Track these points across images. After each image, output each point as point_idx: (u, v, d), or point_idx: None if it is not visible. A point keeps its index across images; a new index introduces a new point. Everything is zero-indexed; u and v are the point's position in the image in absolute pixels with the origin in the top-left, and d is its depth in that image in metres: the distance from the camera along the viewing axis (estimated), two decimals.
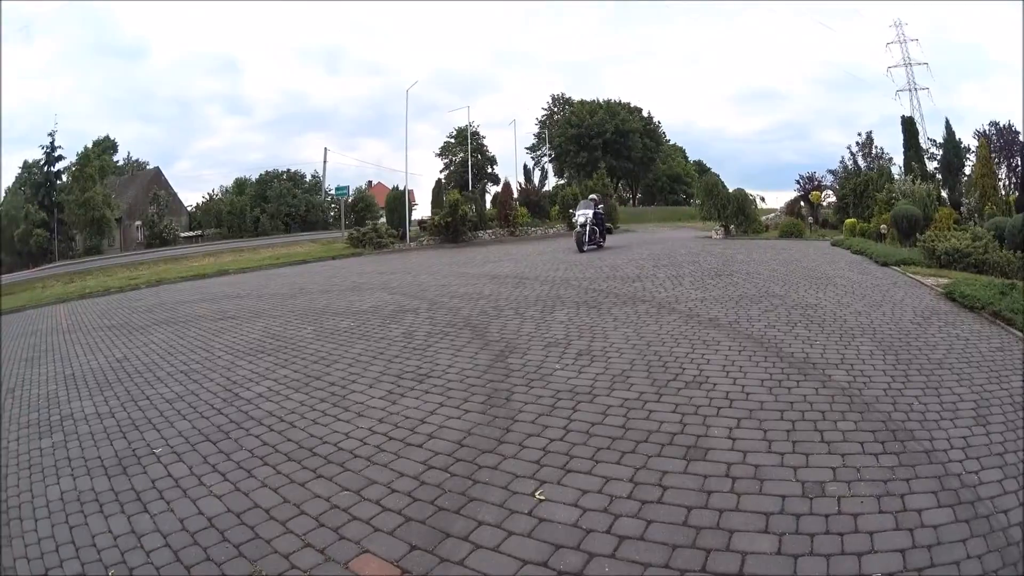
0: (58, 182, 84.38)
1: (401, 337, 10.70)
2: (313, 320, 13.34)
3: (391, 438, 6.16)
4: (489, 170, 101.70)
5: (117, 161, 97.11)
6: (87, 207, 75.89)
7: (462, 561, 4.02)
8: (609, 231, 31.73)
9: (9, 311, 24.44)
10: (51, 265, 67.53)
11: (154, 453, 6.47)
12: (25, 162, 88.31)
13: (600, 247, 28.58)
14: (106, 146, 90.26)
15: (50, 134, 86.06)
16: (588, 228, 27.75)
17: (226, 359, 10.36)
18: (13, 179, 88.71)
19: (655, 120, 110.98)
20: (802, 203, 49.20)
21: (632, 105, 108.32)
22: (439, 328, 11.20)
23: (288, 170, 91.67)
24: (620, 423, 5.98)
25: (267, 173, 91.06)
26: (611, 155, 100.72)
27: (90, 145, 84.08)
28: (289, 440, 6.39)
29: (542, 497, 4.67)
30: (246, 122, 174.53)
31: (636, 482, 4.79)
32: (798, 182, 51.63)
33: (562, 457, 5.32)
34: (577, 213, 29.55)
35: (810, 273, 16.23)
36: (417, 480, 5.16)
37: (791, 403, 6.29)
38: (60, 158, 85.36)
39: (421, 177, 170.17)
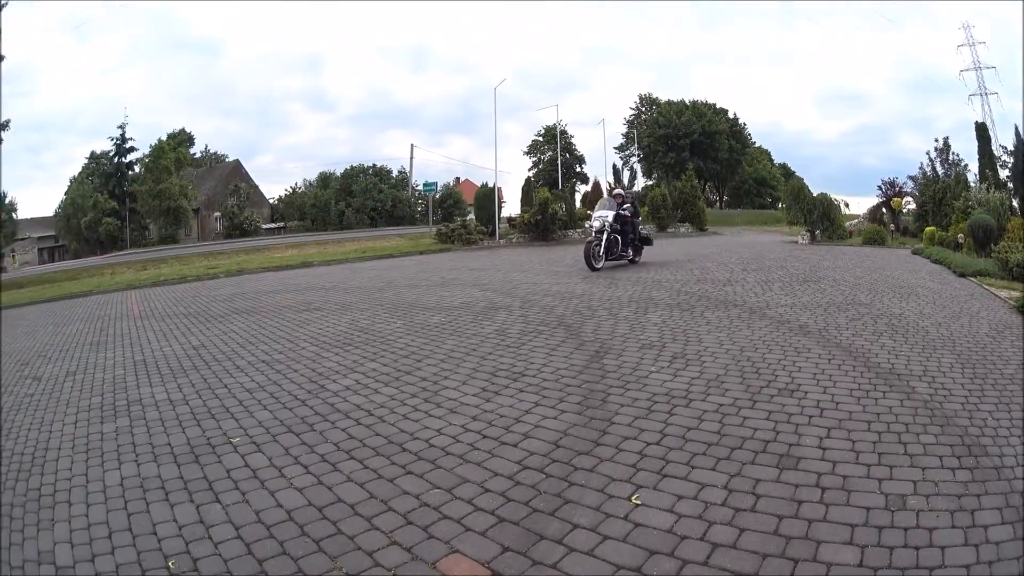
0: (130, 172, 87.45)
1: (494, 334, 10.53)
2: (403, 315, 13.10)
3: (485, 436, 5.99)
4: (578, 169, 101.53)
5: (194, 154, 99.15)
6: (162, 197, 77.97)
7: (555, 564, 3.88)
8: (647, 241, 23.54)
9: (75, 295, 25.09)
10: (121, 253, 69.58)
11: (231, 442, 6.30)
12: (92, 153, 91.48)
13: (633, 262, 22.15)
14: (181, 139, 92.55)
15: (120, 126, 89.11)
16: (607, 236, 20.71)
17: (311, 351, 10.19)
18: (80, 168, 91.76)
19: (741, 122, 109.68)
20: (884, 209, 48.10)
21: (718, 106, 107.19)
22: (532, 326, 11.03)
23: (374, 165, 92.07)
24: (715, 429, 5.89)
25: (352, 168, 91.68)
26: (698, 156, 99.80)
27: (164, 138, 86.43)
28: (378, 435, 6.23)
29: (638, 501, 4.56)
30: (329, 118, 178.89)
31: (730, 489, 4.70)
32: (880, 188, 50.52)
33: (658, 461, 5.21)
34: (593, 216, 22.74)
35: (893, 282, 16.18)
36: (511, 480, 5.00)
37: (877, 414, 6.22)
38: (132, 150, 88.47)
39: (509, 175, 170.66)
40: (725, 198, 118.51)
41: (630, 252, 22.17)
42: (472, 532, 4.30)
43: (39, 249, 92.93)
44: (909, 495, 4.55)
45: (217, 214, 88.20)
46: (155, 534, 4.65)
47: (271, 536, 4.45)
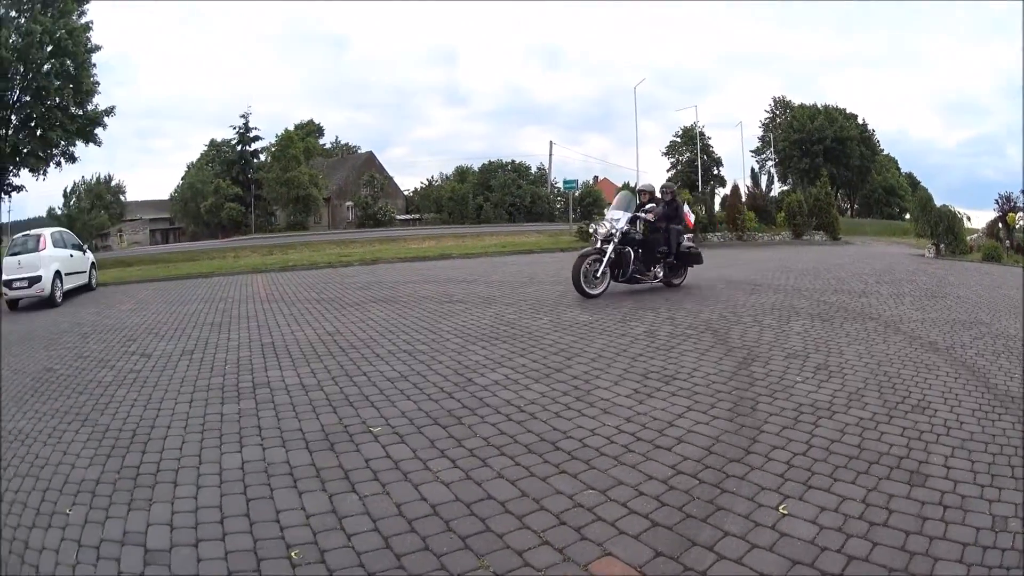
0: (255, 160, 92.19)
1: (643, 335, 10.27)
2: (548, 311, 12.86)
3: (639, 439, 5.83)
4: (715, 172, 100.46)
5: (324, 144, 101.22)
6: (290, 185, 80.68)
7: (705, 572, 3.80)
8: (692, 257, 16.97)
9: (194, 276, 25.77)
10: (245, 237, 72.80)
11: (370, 431, 6.16)
12: (212, 140, 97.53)
13: (671, 285, 16.49)
14: (310, 130, 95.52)
15: (243, 116, 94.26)
16: (611, 249, 14.73)
17: (456, 343, 10.05)
18: (198, 155, 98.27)
19: (869, 128, 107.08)
20: (1000, 225, 46.31)
21: (847, 111, 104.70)
22: (681, 330, 10.79)
23: (512, 161, 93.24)
24: (856, 442, 5.84)
25: (490, 163, 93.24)
26: (831, 162, 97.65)
27: (291, 128, 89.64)
28: (529, 432, 6.06)
29: (785, 511, 4.52)
30: (463, 112, 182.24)
31: (867, 503, 4.65)
32: (997, 201, 48.72)
33: (804, 472, 5.18)
34: (608, 217, 15.89)
35: (1011, 302, 15.63)
36: (665, 484, 4.89)
37: (993, 436, 6.16)
38: (256, 138, 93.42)
39: (646, 175, 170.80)
40: (855, 206, 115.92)
41: (658, 272, 16.00)
42: (625, 535, 4.18)
43: (151, 230, 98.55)
44: (1010, 517, 4.51)
45: (349, 203, 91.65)
46: (278, 522, 4.49)
47: (412, 531, 4.29)
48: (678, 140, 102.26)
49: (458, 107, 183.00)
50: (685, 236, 17.04)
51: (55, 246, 20.82)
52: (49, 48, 35.55)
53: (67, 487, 5.41)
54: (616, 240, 14.78)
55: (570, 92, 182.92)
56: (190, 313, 15.12)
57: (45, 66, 35.75)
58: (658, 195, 17.06)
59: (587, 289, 14.35)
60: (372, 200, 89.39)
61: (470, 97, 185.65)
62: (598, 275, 14.60)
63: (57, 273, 20.37)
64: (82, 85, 36.27)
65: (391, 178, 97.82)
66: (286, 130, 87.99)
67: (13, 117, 37.69)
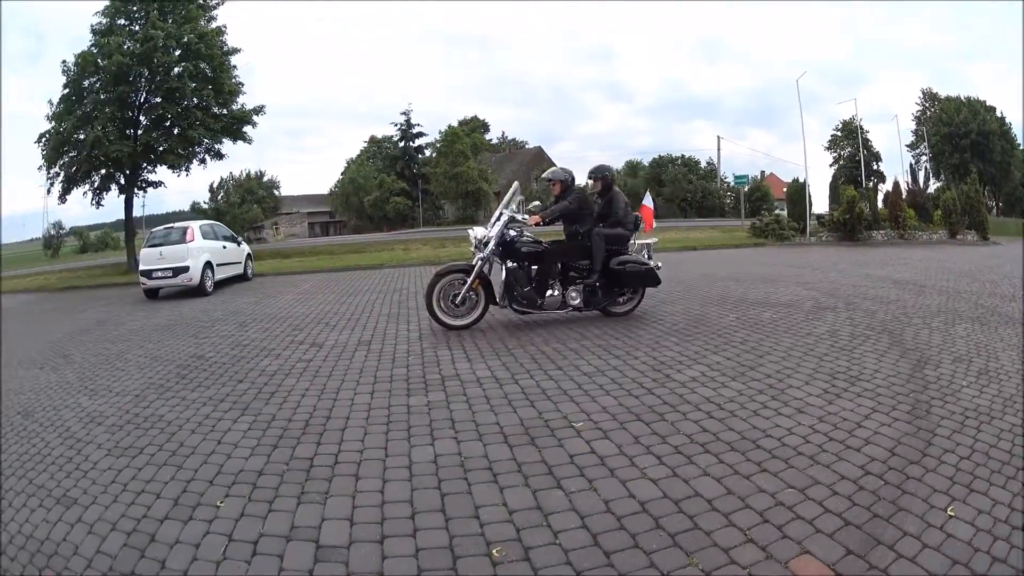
0: (419, 156, 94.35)
1: (826, 335, 10.06)
2: (733, 307, 12.66)
3: (831, 439, 5.81)
4: (874, 167, 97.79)
5: (490, 140, 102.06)
6: (458, 180, 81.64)
7: (885, 570, 3.88)
8: (627, 276, 11.48)
9: (362, 268, 26.19)
10: (412, 230, 73.89)
11: (572, 427, 6.06)
12: (372, 137, 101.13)
13: (608, 313, 11.77)
14: (475, 125, 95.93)
15: (403, 113, 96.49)
16: (478, 264, 10.90)
17: (649, 338, 9.90)
18: (358, 151, 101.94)
19: (1007, 121, 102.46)
20: None
21: (987, 103, 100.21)
22: (859, 330, 10.49)
23: (682, 156, 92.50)
24: (1007, 448, 5.71)
25: (660, 157, 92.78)
26: (976, 157, 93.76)
27: (455, 124, 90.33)
28: (731, 429, 6.00)
29: (952, 513, 4.56)
30: (626, 108, 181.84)
31: (1012, 507, 4.62)
32: None
33: (968, 476, 5.14)
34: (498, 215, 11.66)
35: None
36: (855, 484, 4.91)
37: None
38: (419, 135, 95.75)
39: (809, 170, 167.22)
40: (1000, 204, 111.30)
41: (570, 297, 11.33)
42: (822, 533, 4.24)
43: (310, 223, 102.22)
44: None
45: (521, 197, 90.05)
46: (477, 518, 4.43)
47: (622, 527, 4.24)
48: (838, 134, 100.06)
49: (622, 102, 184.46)
50: (636, 244, 12.19)
51: (205, 238, 21.63)
52: (177, 52, 36.60)
53: (220, 478, 5.44)
54: (489, 251, 11.05)
55: (730, 86, 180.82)
56: (362, 304, 15.24)
57: (175, 69, 36.67)
58: (588, 182, 13.01)
59: (442, 317, 11.12)
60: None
61: (631, 93, 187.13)
62: (459, 300, 11.10)
63: (208, 264, 21.25)
64: (223, 86, 37.11)
65: None
66: (449, 126, 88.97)
67: (142, 118, 38.61)
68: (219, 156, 40.36)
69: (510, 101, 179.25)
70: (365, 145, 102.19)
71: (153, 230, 23.51)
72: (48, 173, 38.61)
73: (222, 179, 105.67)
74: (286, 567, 3.99)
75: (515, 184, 12.34)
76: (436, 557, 3.95)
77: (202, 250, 20.88)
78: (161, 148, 37.32)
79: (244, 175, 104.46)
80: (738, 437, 5.73)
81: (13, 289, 35.40)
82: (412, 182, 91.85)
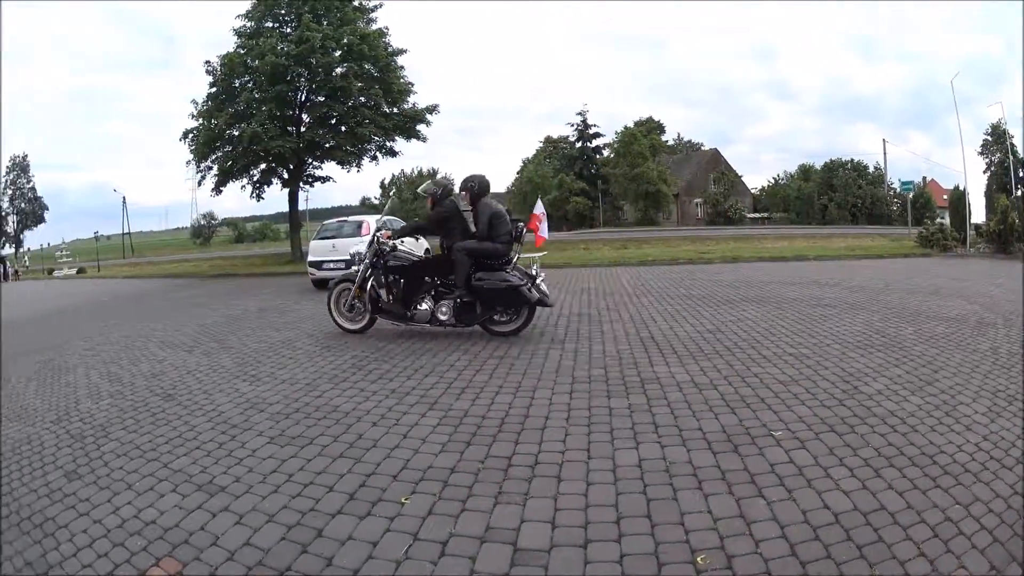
0: (597, 156, 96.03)
1: (989, 352, 9.66)
2: (910, 320, 12.26)
3: (992, 457, 5.65)
4: (1021, 174, 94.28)
5: (666, 141, 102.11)
6: (639, 181, 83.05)
7: None
8: (495, 295, 10.93)
9: (548, 266, 25.36)
10: (592, 230, 75.69)
11: (772, 435, 6.09)
12: (548, 137, 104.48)
13: (492, 332, 11.33)
14: (651, 126, 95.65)
15: (579, 113, 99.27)
16: (359, 275, 11.91)
17: (835, 348, 9.75)
18: (534, 151, 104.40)
19: None
20: None
21: None
22: (1015, 347, 9.99)
23: (851, 160, 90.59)
24: None
25: (832, 161, 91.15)
26: None
27: (630, 125, 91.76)
28: (912, 444, 5.94)
29: None
30: (795, 107, 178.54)
31: None
32: None
33: None
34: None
35: None
36: (1006, 503, 4.79)
37: None
38: (596, 135, 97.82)
39: (967, 177, 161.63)
40: None
41: (439, 312, 11.42)
42: (975, 549, 4.19)
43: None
44: None
45: (698, 200, 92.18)
46: (682, 524, 4.47)
47: (816, 538, 4.29)
48: (988, 139, 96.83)
49: (788, 102, 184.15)
50: (520, 260, 11.83)
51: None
52: (337, 53, 38.05)
53: (405, 473, 5.48)
54: (364, 264, 11.90)
55: (889, 85, 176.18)
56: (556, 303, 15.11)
57: (337, 69, 38.27)
58: (459, 191, 12.46)
59: (339, 320, 12.35)
60: (723, 198, 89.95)
61: (797, 92, 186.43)
62: (346, 307, 12.24)
63: None
64: (392, 86, 38.56)
65: (739, 176, 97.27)
66: (626, 127, 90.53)
67: (305, 115, 40.75)
68: (392, 153, 41.85)
69: (679, 102, 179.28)
70: (541, 145, 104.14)
71: (325, 223, 24.36)
72: (199, 167, 41.57)
73: (393, 176, 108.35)
74: (479, 569, 4.02)
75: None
76: (641, 563, 3.99)
77: None
78: (328, 144, 38.57)
79: (416, 172, 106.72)
80: (918, 452, 5.72)
81: (156, 274, 39.26)
82: (591, 182, 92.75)
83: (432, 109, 40.17)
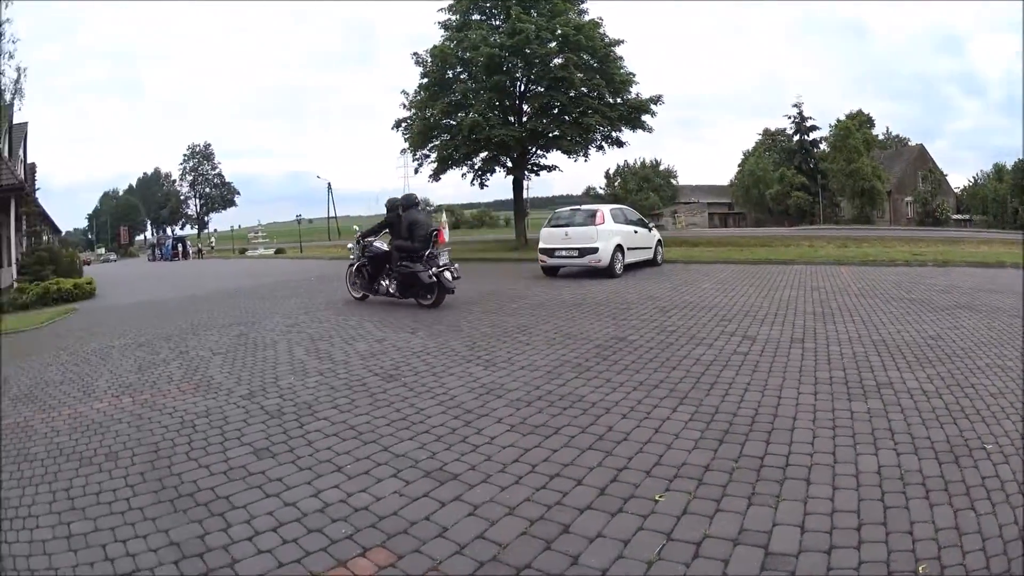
0: (815, 150, 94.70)
1: None
2: None
3: None
4: None
5: (876, 135, 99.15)
6: (855, 177, 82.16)
7: None
8: (406, 277, 16.19)
9: (775, 262, 25.72)
10: (812, 227, 74.96)
11: (984, 448, 5.82)
12: (766, 129, 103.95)
13: (422, 305, 16.01)
14: (861, 120, 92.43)
15: (795, 105, 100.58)
16: (356, 262, 18.32)
17: None
18: (754, 144, 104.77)
19: None
20: None
21: None
22: None
23: None
24: None
25: (1020, 161, 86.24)
26: None
27: (842, 118, 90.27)
28: None
29: None
30: (983, 103, 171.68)
31: None
32: None
33: None
34: None
35: None
36: None
37: None
38: (813, 128, 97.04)
39: None
40: None
41: (391, 289, 16.75)
42: None
43: (709, 213, 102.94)
44: None
45: (908, 199, 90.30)
46: (911, 534, 4.36)
47: (1003, 552, 4.14)
48: None
49: (976, 97, 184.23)
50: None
51: (615, 221, 22.29)
52: (552, 44, 38.55)
53: (658, 469, 5.42)
54: (356, 254, 18.44)
55: None
56: (784, 299, 15.41)
57: (555, 60, 38.61)
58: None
59: (350, 291, 18.74)
60: (930, 197, 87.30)
61: (985, 86, 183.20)
62: (352, 281, 18.67)
63: (618, 247, 21.86)
64: (613, 76, 39.29)
65: (945, 175, 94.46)
66: (838, 120, 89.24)
67: (525, 106, 41.76)
68: (619, 144, 42.15)
69: (885, 93, 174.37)
70: (759, 137, 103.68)
71: (557, 211, 24.59)
72: (414, 155, 43.78)
73: (618, 166, 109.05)
74: (730, 572, 3.96)
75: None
76: (874, 569, 3.92)
77: (612, 233, 21.64)
78: (552, 134, 39.00)
79: (639, 163, 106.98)
80: None
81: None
82: (811, 177, 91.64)
83: (656, 100, 40.25)
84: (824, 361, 8.98)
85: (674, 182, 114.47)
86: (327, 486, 5.40)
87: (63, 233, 74.58)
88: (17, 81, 26.39)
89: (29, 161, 48.71)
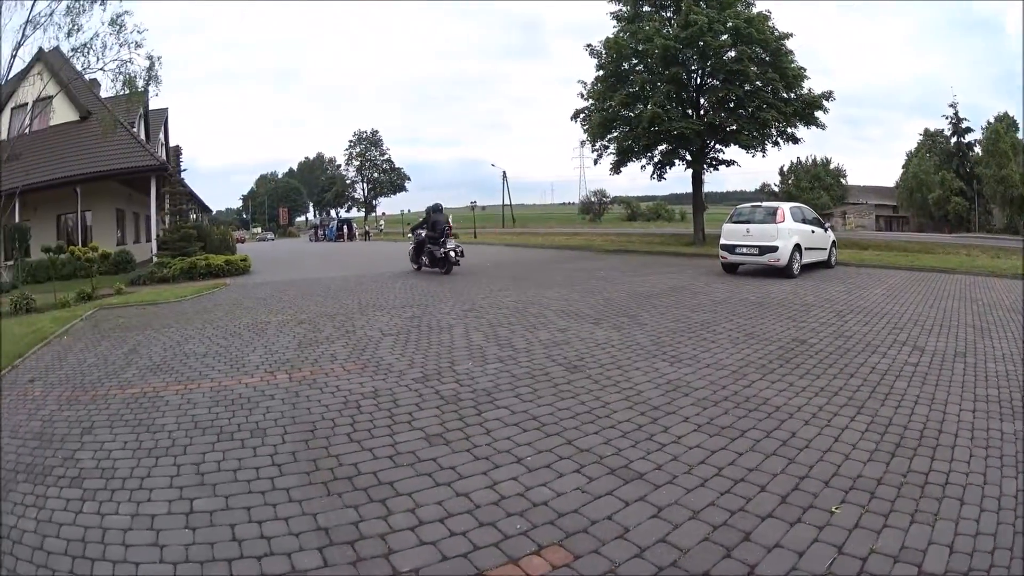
0: (971, 153, 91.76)
1: None
2: None
3: None
4: None
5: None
6: (1005, 183, 79.17)
7: None
8: (431, 255, 26.67)
9: (937, 270, 24.86)
10: (970, 234, 71.71)
11: None
12: (926, 130, 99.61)
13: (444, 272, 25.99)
14: (1008, 123, 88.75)
15: (951, 105, 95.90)
16: (412, 244, 28.97)
17: None
18: (915, 144, 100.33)
19: None
20: None
21: None
22: None
23: None
24: None
25: None
26: None
27: (992, 120, 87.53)
28: None
29: None
30: None
31: None
32: None
33: None
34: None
35: None
36: None
37: None
38: (968, 130, 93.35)
39: None
40: None
41: (427, 263, 26.92)
42: None
43: (876, 216, 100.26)
44: None
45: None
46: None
47: None
48: None
49: None
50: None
51: (794, 220, 21.92)
52: (724, 37, 37.89)
53: (836, 480, 5.35)
54: (412, 242, 28.65)
55: None
56: (948, 310, 14.99)
57: (730, 52, 37.96)
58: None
59: (411, 264, 28.08)
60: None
61: None
62: (412, 257, 28.10)
63: (796, 246, 21.61)
64: (785, 71, 38.39)
65: None
66: (988, 122, 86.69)
67: (702, 99, 40.98)
68: (794, 140, 41.39)
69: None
70: (920, 138, 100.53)
71: (739, 207, 24.30)
72: (594, 146, 43.65)
73: (791, 163, 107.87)
74: None
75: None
76: None
77: (792, 232, 21.42)
78: (730, 128, 39.43)
79: (810, 161, 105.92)
80: None
81: (544, 244, 42.03)
82: (967, 181, 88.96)
83: (827, 96, 39.36)
84: (983, 378, 8.75)
85: (843, 182, 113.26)
86: (504, 478, 5.40)
87: (213, 212, 77.11)
88: (150, 69, 27.18)
89: (172, 144, 50.59)
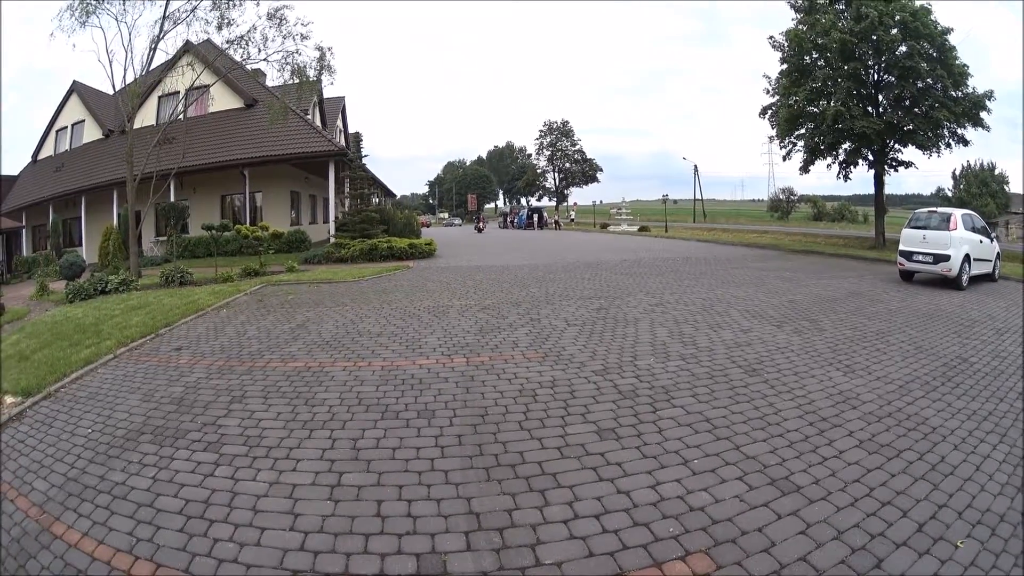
0: None
1: None
2: None
3: None
4: None
5: None
6: None
7: None
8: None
9: None
10: None
11: None
12: None
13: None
14: None
15: None
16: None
17: None
18: None
19: None
20: None
21: None
22: None
23: None
24: None
25: None
26: None
27: None
28: None
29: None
30: None
31: None
32: None
33: None
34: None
35: None
36: None
37: None
38: None
39: None
40: None
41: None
42: None
43: None
44: None
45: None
46: None
47: None
48: None
49: None
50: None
51: (965, 228, 21.23)
52: (894, 31, 37.05)
53: (968, 512, 5.37)
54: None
55: None
56: None
57: (901, 47, 37.20)
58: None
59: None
60: None
61: None
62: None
63: (966, 257, 20.88)
64: (951, 67, 37.03)
65: None
66: None
67: (880, 96, 39.92)
68: (964, 142, 39.85)
69: None
70: None
71: (916, 212, 23.69)
72: (782, 143, 43.02)
73: (962, 167, 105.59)
74: None
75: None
76: None
77: (963, 240, 20.80)
78: (907, 127, 38.33)
79: (978, 165, 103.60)
80: None
81: (733, 241, 42.48)
82: None
83: (989, 95, 38.16)
84: None
85: (1007, 188, 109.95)
86: (668, 479, 5.53)
87: (397, 196, 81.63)
88: (321, 59, 28.27)
89: (352, 131, 52.47)
